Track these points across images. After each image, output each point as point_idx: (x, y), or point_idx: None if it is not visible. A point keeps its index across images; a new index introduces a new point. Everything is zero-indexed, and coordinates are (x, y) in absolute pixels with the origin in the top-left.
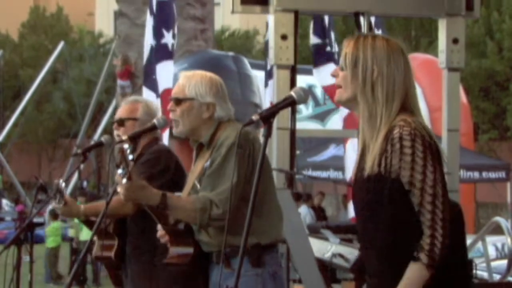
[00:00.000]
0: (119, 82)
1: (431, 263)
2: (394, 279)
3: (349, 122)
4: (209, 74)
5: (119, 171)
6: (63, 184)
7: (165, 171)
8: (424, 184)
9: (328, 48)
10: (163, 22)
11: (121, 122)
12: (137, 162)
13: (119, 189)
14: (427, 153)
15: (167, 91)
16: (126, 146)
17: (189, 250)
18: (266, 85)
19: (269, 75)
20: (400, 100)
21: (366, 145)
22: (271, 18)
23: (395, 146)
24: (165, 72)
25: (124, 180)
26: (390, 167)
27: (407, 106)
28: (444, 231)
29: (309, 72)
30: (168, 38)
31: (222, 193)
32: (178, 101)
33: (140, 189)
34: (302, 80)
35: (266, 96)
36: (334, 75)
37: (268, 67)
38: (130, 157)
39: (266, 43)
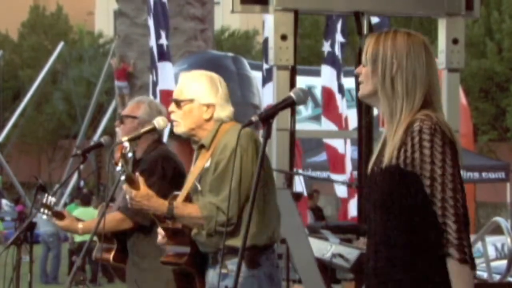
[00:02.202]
0: (117, 83)
1: (463, 256)
2: (404, 274)
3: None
4: (209, 73)
5: (118, 168)
6: (49, 198)
7: (161, 179)
8: (445, 178)
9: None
10: (159, 22)
11: (121, 120)
12: (136, 169)
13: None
14: (446, 148)
15: (166, 92)
16: (126, 144)
17: (186, 249)
18: (263, 85)
19: (267, 75)
20: (422, 93)
21: (386, 140)
22: (268, 18)
23: (415, 139)
24: (164, 73)
25: (123, 177)
26: (411, 160)
27: (429, 100)
28: (467, 226)
29: (308, 73)
30: (163, 40)
31: (227, 198)
32: (178, 103)
33: (146, 199)
34: (301, 81)
35: (263, 96)
36: (358, 72)
37: (264, 67)
38: (130, 154)
39: (264, 42)
